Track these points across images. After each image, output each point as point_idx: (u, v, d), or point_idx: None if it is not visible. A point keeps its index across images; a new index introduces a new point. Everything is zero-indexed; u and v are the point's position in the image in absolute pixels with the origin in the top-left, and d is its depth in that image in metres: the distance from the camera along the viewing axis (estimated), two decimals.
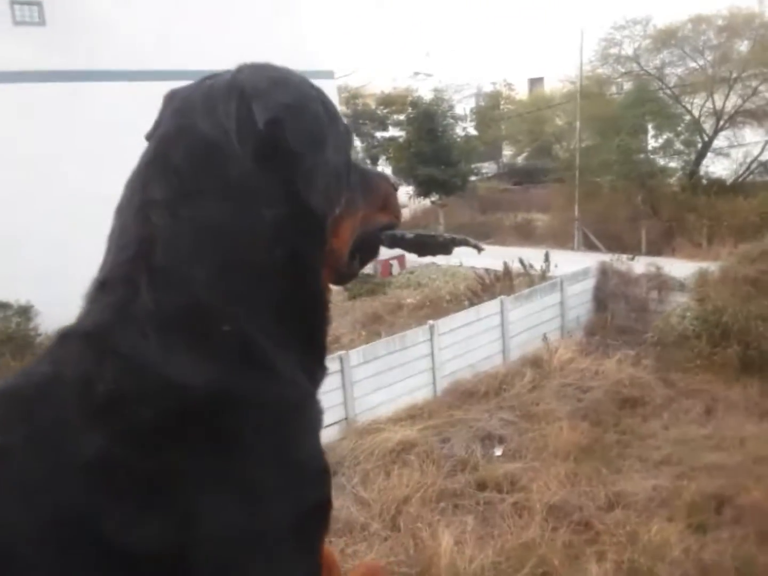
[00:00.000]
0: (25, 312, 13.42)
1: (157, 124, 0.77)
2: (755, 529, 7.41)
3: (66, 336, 0.67)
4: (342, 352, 10.48)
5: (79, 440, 0.59)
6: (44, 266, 13.02)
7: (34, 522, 0.56)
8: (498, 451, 9.58)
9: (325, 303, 0.76)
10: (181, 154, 0.68)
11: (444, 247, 0.89)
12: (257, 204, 0.66)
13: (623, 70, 22.25)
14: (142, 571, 0.57)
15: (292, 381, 0.68)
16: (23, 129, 13.45)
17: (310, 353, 0.73)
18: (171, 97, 0.78)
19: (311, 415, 0.73)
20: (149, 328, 0.62)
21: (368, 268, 18.84)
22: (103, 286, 0.67)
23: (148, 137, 0.76)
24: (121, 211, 0.71)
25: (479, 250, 0.98)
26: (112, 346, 0.62)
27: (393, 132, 31.00)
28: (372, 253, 0.86)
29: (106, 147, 13.26)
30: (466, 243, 0.93)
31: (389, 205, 0.85)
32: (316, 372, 0.75)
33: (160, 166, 0.69)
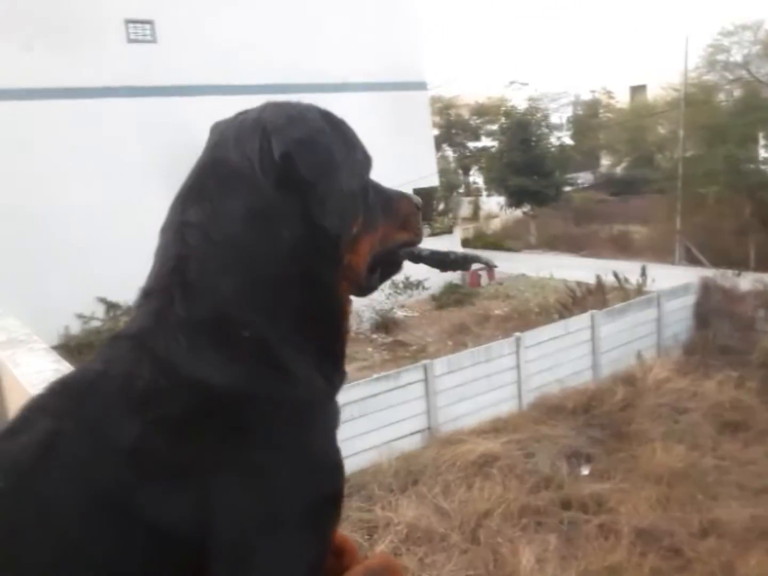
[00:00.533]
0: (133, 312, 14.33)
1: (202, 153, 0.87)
2: None
3: (115, 338, 0.79)
4: (426, 361, 10.52)
5: (119, 427, 0.69)
6: (146, 270, 13.87)
7: (79, 495, 0.66)
8: (585, 470, 9.30)
9: (342, 314, 0.83)
10: (214, 182, 0.79)
11: (459, 264, 0.94)
12: (277, 226, 0.75)
13: (732, 77, 21.12)
14: (166, 543, 0.66)
15: (306, 382, 0.76)
16: (138, 139, 14.41)
17: (327, 359, 0.80)
18: (213, 129, 0.88)
19: (326, 414, 0.79)
20: (181, 333, 0.72)
21: (456, 278, 18.84)
22: (147, 296, 0.79)
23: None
24: (165, 230, 0.83)
25: (491, 266, 1.02)
26: (150, 348, 0.73)
27: (486, 142, 30.83)
28: (393, 269, 0.92)
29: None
30: (478, 260, 0.98)
31: (409, 224, 0.91)
32: (334, 376, 0.82)
33: (196, 192, 0.81)
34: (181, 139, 14.76)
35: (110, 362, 0.74)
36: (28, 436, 0.70)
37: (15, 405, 1.84)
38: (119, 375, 0.72)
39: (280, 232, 0.76)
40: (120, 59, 14.50)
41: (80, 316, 13.98)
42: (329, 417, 0.79)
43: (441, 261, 0.94)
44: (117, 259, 13.93)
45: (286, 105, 0.82)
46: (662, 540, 7.45)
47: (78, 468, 0.67)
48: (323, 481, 0.74)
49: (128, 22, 14.91)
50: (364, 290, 0.88)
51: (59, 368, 1.75)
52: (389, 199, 0.89)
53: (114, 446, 0.68)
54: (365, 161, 0.86)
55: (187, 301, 0.74)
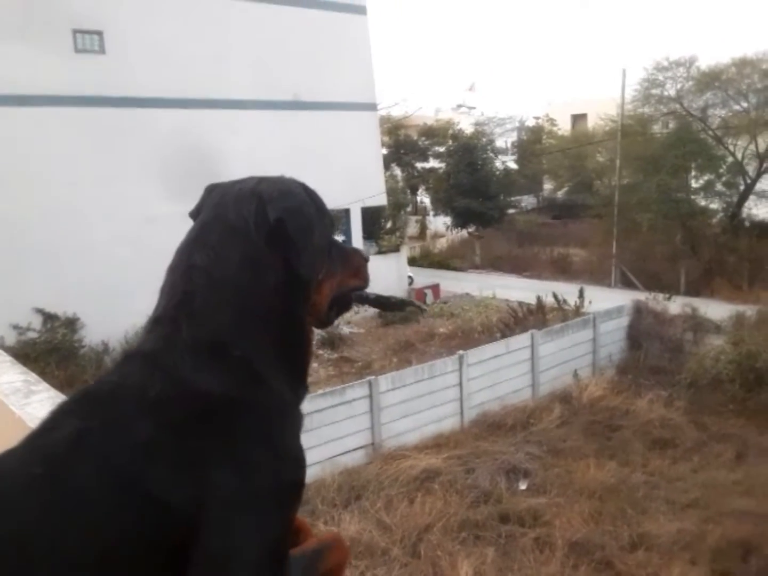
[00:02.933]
0: (72, 324, 13.97)
1: (198, 208, 1.06)
2: None
3: (129, 356, 0.96)
4: (371, 378, 10.66)
5: (135, 427, 0.86)
6: (91, 282, 13.60)
7: (103, 479, 0.83)
8: (523, 485, 9.58)
9: (308, 341, 1.04)
10: (216, 235, 0.99)
11: (398, 306, 1.16)
12: (264, 272, 0.96)
13: (665, 110, 22.29)
14: (169, 516, 0.83)
15: (280, 394, 0.95)
16: (80, 150, 14.17)
17: (295, 376, 1.00)
18: (210, 191, 1.06)
19: (294, 419, 0.98)
20: (186, 353, 0.91)
21: (403, 296, 19.11)
22: (157, 323, 0.97)
23: (192, 216, 1.07)
24: (173, 270, 1.01)
25: (422, 311, 1.26)
26: (161, 364, 0.91)
27: (433, 163, 31.41)
28: (345, 307, 1.13)
29: (157, 172, 13.90)
30: (412, 305, 1.22)
31: (359, 272, 1.13)
32: (299, 389, 1.01)
33: (201, 242, 1.00)
34: (128, 149, 14.65)
35: (125, 376, 0.92)
36: (60, 433, 0.87)
37: None
38: (134, 386, 0.90)
39: (267, 277, 0.96)
40: (67, 69, 14.27)
41: (16, 327, 13.55)
42: (296, 421, 0.98)
43: (383, 303, 1.17)
44: (56, 270, 13.63)
45: (278, 180, 1.04)
46: (594, 553, 7.76)
47: (102, 459, 0.84)
48: (291, 470, 0.93)
49: (76, 32, 14.70)
50: (324, 324, 1.10)
51: (28, 378, 1.83)
52: (345, 253, 1.12)
53: (131, 441, 0.85)
54: (330, 225, 1.08)
55: (192, 328, 0.92)
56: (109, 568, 0.82)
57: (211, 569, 0.84)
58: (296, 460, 0.95)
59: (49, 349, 13.02)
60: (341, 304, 1.11)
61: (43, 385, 1.76)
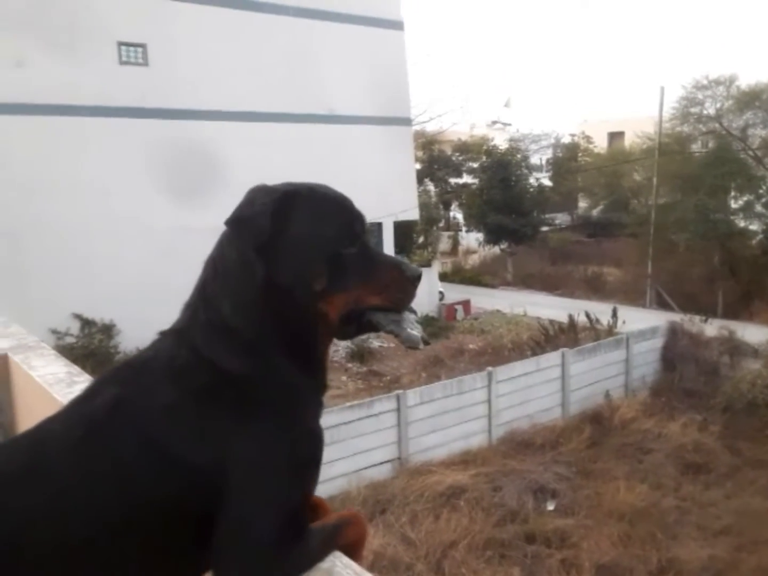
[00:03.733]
0: (108, 330, 14.29)
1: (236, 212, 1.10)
2: None
3: (163, 334, 1.07)
4: (399, 392, 10.67)
5: (164, 393, 0.97)
6: (128, 289, 13.90)
7: (135, 439, 0.94)
8: (550, 506, 9.46)
9: (315, 342, 1.06)
10: (228, 232, 1.07)
11: (411, 341, 1.06)
12: (253, 271, 1.01)
13: (704, 129, 21.97)
14: (191, 477, 0.92)
15: (293, 377, 1.02)
16: (120, 161, 14.56)
17: (309, 369, 1.05)
18: (249, 192, 1.09)
19: (311, 402, 1.04)
20: (204, 332, 1.02)
21: (433, 311, 19.07)
22: (187, 306, 1.08)
23: (227, 223, 1.08)
24: (205, 266, 1.10)
25: (428, 344, 1.14)
26: (187, 340, 1.02)
27: (467, 179, 31.42)
28: (368, 327, 1.07)
29: (194, 183, 14.20)
30: (426, 342, 1.09)
31: (387, 290, 1.05)
32: (316, 378, 1.06)
33: (220, 239, 1.09)
34: (168, 160, 15.03)
35: (159, 349, 1.04)
36: (100, 400, 0.99)
37: (28, 404, 2.00)
38: (164, 357, 1.02)
39: (255, 276, 1.01)
40: (111, 80, 14.71)
41: (54, 332, 13.90)
42: (313, 404, 1.05)
43: (396, 334, 1.06)
44: (94, 277, 13.98)
45: (273, 189, 1.07)
46: None
47: (132, 422, 0.95)
48: (308, 446, 0.99)
49: (121, 44, 15.15)
50: (338, 335, 1.08)
51: (71, 371, 1.93)
52: (373, 267, 1.05)
53: (157, 405, 0.96)
54: (338, 235, 1.04)
55: (206, 312, 1.03)
56: (137, 523, 0.91)
57: (233, 533, 0.90)
58: (315, 437, 1.01)
59: (86, 354, 13.31)
60: (362, 324, 1.06)
61: (85, 377, 1.85)
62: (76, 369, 1.94)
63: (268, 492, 0.93)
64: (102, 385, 1.03)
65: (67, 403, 1.05)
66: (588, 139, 34.49)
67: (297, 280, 1.02)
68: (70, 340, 14.06)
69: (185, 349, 1.01)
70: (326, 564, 0.98)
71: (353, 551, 1.03)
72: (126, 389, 0.99)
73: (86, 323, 14.32)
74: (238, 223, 1.04)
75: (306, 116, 17.18)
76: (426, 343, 1.14)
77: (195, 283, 1.09)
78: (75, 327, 14.28)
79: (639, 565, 7.85)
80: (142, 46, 15.42)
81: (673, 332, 14.52)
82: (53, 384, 1.77)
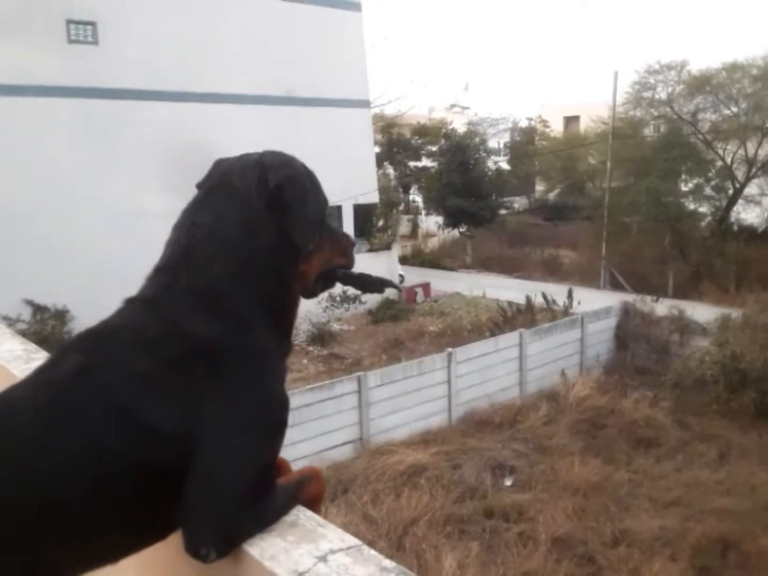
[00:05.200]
0: (61, 316, 13.96)
1: (207, 178, 1.16)
2: (760, 575, 7.43)
3: (130, 301, 1.07)
4: (360, 373, 10.75)
5: (134, 362, 0.97)
6: (81, 274, 13.59)
7: (102, 405, 0.94)
8: (508, 481, 9.69)
9: (294, 303, 1.14)
10: (220, 198, 1.10)
11: (377, 285, 1.26)
12: (261, 234, 1.06)
13: (656, 114, 22.47)
14: (162, 443, 0.94)
15: (266, 343, 1.05)
16: (72, 142, 14.15)
17: (281, 331, 1.10)
18: (219, 163, 1.16)
19: (278, 367, 1.08)
20: (182, 299, 1.02)
21: (393, 295, 19.18)
22: (159, 271, 1.08)
23: (199, 186, 1.16)
24: (178, 227, 1.11)
25: (399, 291, 1.38)
26: (159, 308, 1.02)
27: (426, 162, 31.50)
28: (330, 283, 1.23)
29: (149, 165, 13.92)
30: (391, 285, 1.32)
31: (346, 253, 1.24)
32: (284, 344, 1.12)
33: (205, 203, 1.11)
34: (121, 142, 14.63)
35: (126, 318, 1.04)
36: (65, 367, 0.99)
37: None
38: (134, 326, 1.01)
39: (262, 238, 1.06)
40: (61, 59, 14.24)
41: (5, 318, 13.50)
42: (281, 370, 1.09)
43: (363, 281, 1.25)
44: (47, 261, 13.60)
45: (280, 153, 1.14)
46: (576, 548, 7.89)
47: (101, 388, 0.96)
48: (276, 409, 1.03)
49: (70, 22, 14.67)
50: (310, 294, 1.20)
51: (27, 348, 1.93)
52: (335, 233, 1.22)
53: (128, 373, 0.97)
54: (324, 203, 1.17)
55: (189, 278, 1.03)
56: (106, 484, 0.93)
57: (204, 490, 0.93)
58: (281, 400, 1.05)
59: (39, 341, 12.79)
60: (327, 280, 1.21)
61: (42, 353, 1.85)
62: (32, 346, 1.94)
63: (238, 452, 0.97)
64: (66, 353, 1.03)
65: (31, 372, 1.04)
66: (545, 123, 34.92)
67: (302, 240, 1.09)
68: (21, 326, 13.67)
69: (157, 319, 1.01)
70: (291, 517, 1.03)
71: (314, 504, 1.09)
72: (92, 357, 0.99)
73: (38, 309, 13.95)
74: (242, 183, 1.07)
75: (263, 98, 16.95)
76: (398, 289, 1.35)
77: (168, 248, 1.08)
78: (27, 313, 13.90)
79: (593, 536, 8.13)
80: (92, 24, 14.94)
81: (626, 312, 14.93)
82: (11, 361, 1.77)
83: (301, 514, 1.04)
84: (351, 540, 0.97)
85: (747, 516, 8.48)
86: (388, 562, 0.90)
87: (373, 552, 0.93)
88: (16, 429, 0.93)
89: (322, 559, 0.93)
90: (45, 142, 13.90)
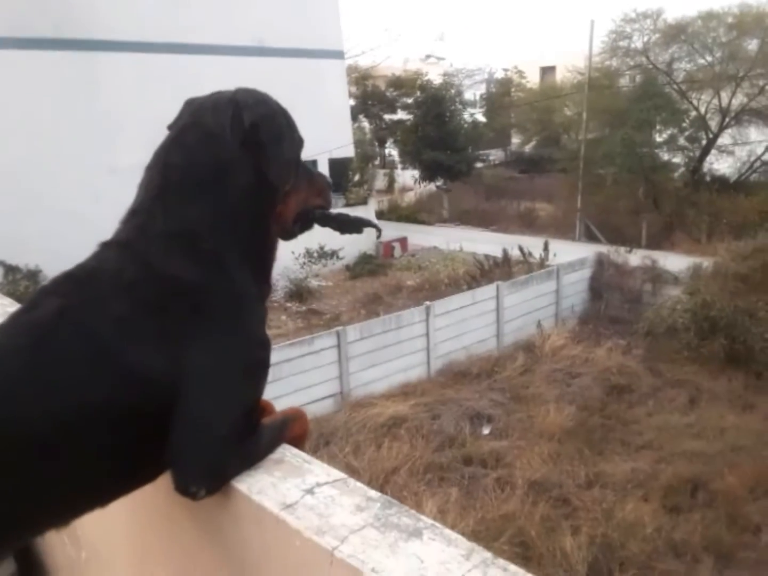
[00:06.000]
0: (34, 276, 13.72)
1: (178, 118, 1.13)
2: (726, 512, 7.78)
3: (106, 244, 1.06)
4: (339, 328, 10.81)
5: (112, 305, 0.97)
6: (53, 232, 13.33)
7: (84, 348, 0.94)
8: (486, 430, 9.93)
9: (272, 245, 1.14)
10: (193, 138, 1.07)
11: (355, 225, 1.26)
12: (236, 174, 1.04)
13: (632, 63, 22.34)
14: (146, 385, 0.94)
15: (245, 285, 1.05)
16: (38, 98, 13.70)
17: (259, 273, 1.10)
18: (190, 103, 1.14)
19: (258, 309, 1.09)
20: (159, 241, 1.01)
21: (371, 249, 19.16)
22: (134, 213, 1.06)
23: (170, 127, 1.13)
24: (150, 168, 1.09)
25: (378, 231, 1.37)
26: (135, 250, 1.01)
27: (401, 115, 31.08)
28: (308, 225, 1.22)
29: (118, 120, 13.55)
30: (370, 224, 1.34)
31: (323, 193, 1.22)
32: (263, 286, 1.12)
33: (178, 143, 1.08)
34: (88, 96, 14.18)
35: (102, 260, 1.03)
36: (43, 310, 0.97)
37: None
38: (111, 269, 1.00)
39: (238, 179, 1.04)
40: (22, 9, 13.65)
41: None
42: (261, 311, 1.10)
43: (341, 221, 1.24)
44: (17, 221, 13.30)
45: (254, 91, 1.11)
46: (552, 490, 8.15)
47: (81, 330, 0.95)
48: (258, 351, 1.05)
49: None
50: (288, 235, 1.19)
51: (2, 302, 1.92)
52: (312, 174, 1.20)
53: (108, 316, 0.96)
54: (300, 142, 1.15)
55: (166, 219, 1.02)
56: (90, 427, 0.93)
57: (191, 430, 0.94)
58: (263, 342, 1.06)
59: None
60: (304, 221, 1.20)
61: (16, 306, 1.84)
62: (7, 300, 1.92)
63: (223, 392, 0.98)
64: (43, 296, 1.01)
65: (6, 317, 1.02)
66: (521, 74, 34.48)
67: (279, 180, 1.07)
68: None
69: (134, 261, 1.00)
70: (277, 455, 1.06)
71: (298, 443, 1.12)
72: (70, 300, 0.98)
73: (10, 269, 13.71)
74: (216, 122, 1.04)
75: (234, 48, 16.48)
76: (377, 228, 1.34)
77: (141, 189, 1.07)
78: None
79: (568, 479, 8.40)
80: None
81: (600, 263, 15.13)
82: None
83: (286, 452, 1.07)
84: (336, 474, 1.00)
85: (716, 457, 8.82)
86: (373, 493, 0.94)
87: (359, 484, 0.97)
88: None
89: (309, 491, 0.96)
90: (11, 98, 13.43)
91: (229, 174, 1.03)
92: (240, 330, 1.01)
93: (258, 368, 1.04)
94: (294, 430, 1.12)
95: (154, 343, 0.96)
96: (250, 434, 1.02)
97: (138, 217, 1.04)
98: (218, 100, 1.09)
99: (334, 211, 1.25)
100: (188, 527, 1.15)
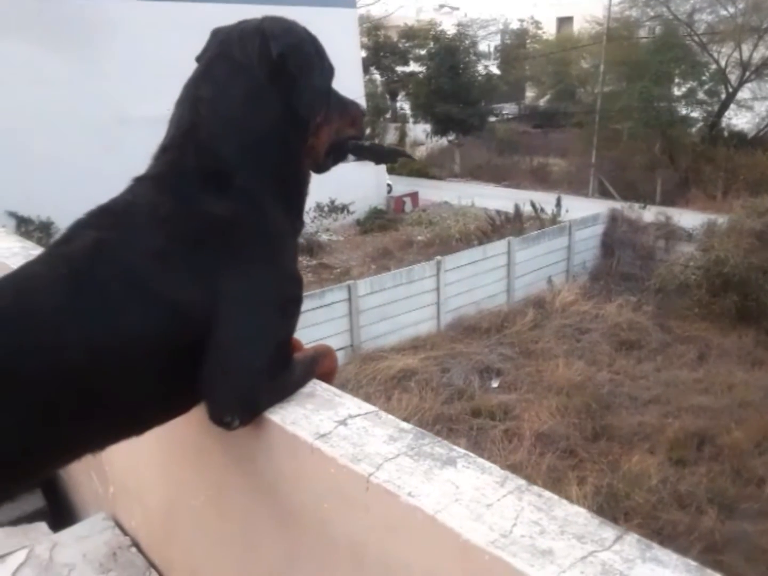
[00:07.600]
0: (47, 228, 13.79)
1: (206, 50, 1.11)
2: (731, 465, 7.88)
3: (139, 179, 1.06)
4: (350, 282, 10.84)
5: (148, 237, 0.98)
6: (64, 185, 13.31)
7: (121, 279, 0.95)
8: (495, 383, 10.03)
9: (303, 180, 1.13)
10: (221, 71, 1.06)
11: (390, 155, 1.27)
12: (265, 107, 1.03)
13: (652, 14, 21.67)
14: (182, 317, 0.96)
15: (277, 222, 1.06)
16: (43, 47, 13.50)
17: (292, 209, 1.10)
18: (216, 33, 1.12)
19: (291, 245, 1.10)
20: (191, 177, 1.01)
21: (381, 204, 19.03)
22: (165, 150, 1.06)
23: (198, 59, 1.11)
24: (180, 103, 1.08)
25: (413, 159, 1.36)
26: (168, 186, 1.02)
27: (414, 67, 30.45)
28: (342, 156, 1.20)
29: (130, 70, 13.37)
30: (405, 155, 1.35)
31: (356, 123, 1.19)
32: (296, 223, 1.13)
33: (207, 77, 1.07)
34: (98, 45, 13.94)
35: (138, 195, 1.03)
36: (80, 242, 0.99)
37: None
38: (146, 203, 1.01)
39: (268, 112, 1.03)
40: None
41: None
42: (293, 248, 1.11)
43: (376, 152, 1.24)
44: (30, 173, 13.29)
45: (281, 19, 1.09)
46: (559, 442, 8.27)
47: (119, 262, 0.97)
48: (291, 286, 1.06)
49: None
50: (321, 168, 1.17)
51: (25, 245, 1.94)
52: (344, 103, 1.17)
53: (145, 249, 0.97)
54: (330, 71, 1.13)
55: (197, 155, 1.02)
56: (128, 356, 0.95)
57: (227, 361, 0.96)
58: (295, 278, 1.08)
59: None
60: (338, 152, 1.17)
61: (40, 250, 1.86)
62: (30, 243, 1.95)
63: (258, 325, 0.99)
64: (79, 230, 1.02)
65: (45, 249, 1.04)
66: (537, 24, 33.55)
67: (310, 112, 1.06)
68: None
69: (169, 196, 1.00)
70: (308, 389, 1.09)
71: (328, 378, 1.16)
72: (107, 233, 0.99)
73: (23, 221, 13.77)
74: (243, 53, 1.03)
75: None
76: (411, 158, 1.34)
77: (172, 125, 1.06)
78: (11, 225, 13.70)
79: (575, 432, 8.51)
80: None
81: (613, 219, 14.99)
82: (9, 257, 1.78)
83: (317, 386, 1.10)
84: (368, 407, 1.03)
85: (723, 412, 8.88)
86: (405, 425, 0.97)
87: (390, 416, 0.99)
88: (35, 301, 0.93)
89: (342, 422, 0.99)
90: (9, 49, 13.23)
91: (258, 108, 1.02)
92: (274, 266, 1.03)
93: (291, 303, 1.06)
94: (324, 365, 1.15)
95: (189, 275, 0.97)
96: (283, 367, 1.04)
97: (170, 153, 1.05)
98: (244, 29, 1.07)
99: (367, 142, 1.24)
100: (220, 458, 1.18)
